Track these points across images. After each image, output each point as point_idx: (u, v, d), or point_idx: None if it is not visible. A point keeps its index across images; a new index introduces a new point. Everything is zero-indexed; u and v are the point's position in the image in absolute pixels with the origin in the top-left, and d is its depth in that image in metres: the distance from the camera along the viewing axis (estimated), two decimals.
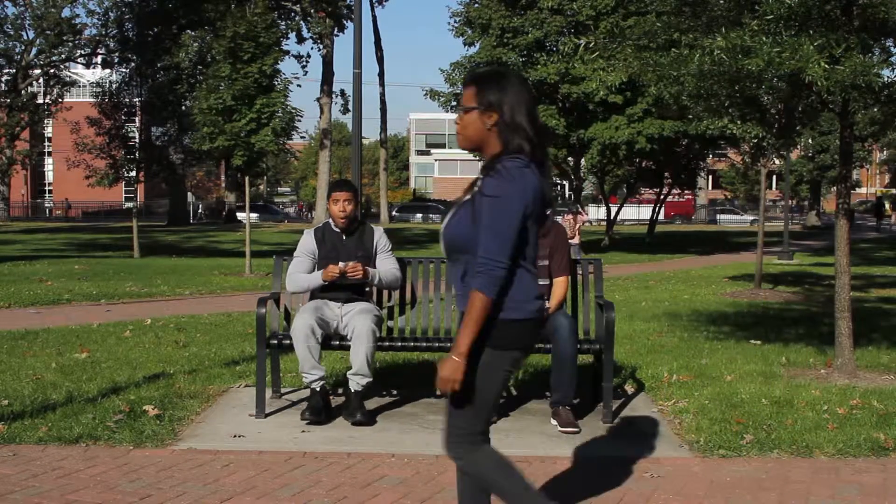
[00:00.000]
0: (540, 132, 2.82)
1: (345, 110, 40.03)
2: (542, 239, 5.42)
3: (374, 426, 5.18)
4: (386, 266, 5.61)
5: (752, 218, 56.51)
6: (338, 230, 5.58)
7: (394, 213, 55.60)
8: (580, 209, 19.91)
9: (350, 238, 5.57)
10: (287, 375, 6.28)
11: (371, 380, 5.31)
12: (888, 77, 6.53)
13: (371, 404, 5.64)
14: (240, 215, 51.83)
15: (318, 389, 5.28)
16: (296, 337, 5.18)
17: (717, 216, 60.84)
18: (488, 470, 2.90)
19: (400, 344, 5.61)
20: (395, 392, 6.05)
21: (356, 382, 5.25)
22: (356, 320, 5.27)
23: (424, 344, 5.62)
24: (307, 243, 5.59)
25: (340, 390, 6.06)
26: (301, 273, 5.54)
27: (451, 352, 2.73)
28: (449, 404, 2.87)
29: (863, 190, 70.70)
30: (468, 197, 2.84)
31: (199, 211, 62.73)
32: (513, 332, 2.79)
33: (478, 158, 32.32)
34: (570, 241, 17.53)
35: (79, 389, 5.81)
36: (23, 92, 33.95)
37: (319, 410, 5.24)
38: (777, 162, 21.46)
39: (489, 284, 2.69)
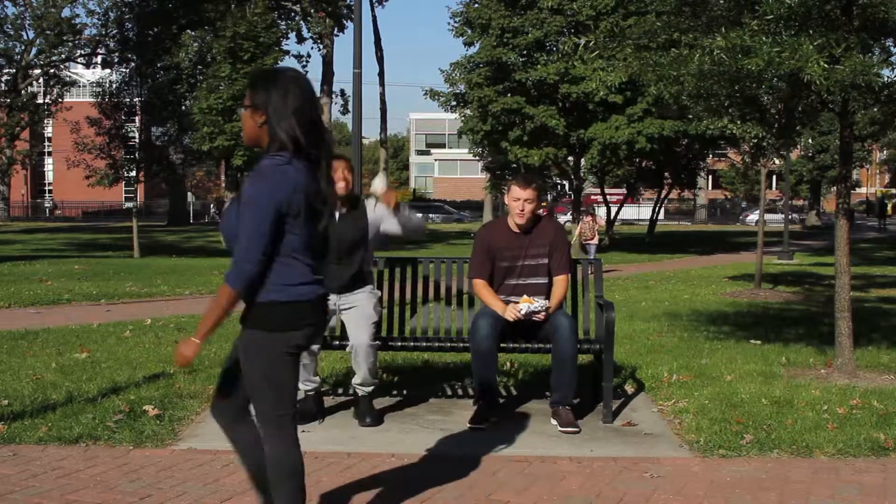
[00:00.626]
0: (310, 132, 2.96)
1: (345, 110, 39.97)
2: (537, 237, 5.43)
3: (373, 426, 5.18)
4: (394, 223, 5.21)
5: (804, 216, 54.74)
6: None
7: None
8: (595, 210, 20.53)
9: (344, 220, 5.14)
10: None
11: (377, 382, 5.31)
12: (888, 77, 6.53)
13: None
14: None
15: (311, 393, 5.29)
16: None
17: (750, 217, 55.82)
18: (281, 456, 3.06)
19: (400, 344, 5.62)
20: (394, 392, 6.05)
21: (363, 390, 5.23)
22: (355, 328, 5.14)
23: (424, 344, 5.63)
24: None
25: (341, 390, 6.07)
26: None
27: (194, 333, 2.94)
28: (250, 393, 3.05)
29: (863, 190, 70.67)
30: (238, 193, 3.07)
31: (212, 210, 62.18)
32: (278, 313, 2.94)
33: (478, 158, 32.03)
34: (589, 241, 18.55)
35: (79, 389, 5.81)
36: (23, 92, 33.88)
37: (312, 415, 5.24)
38: (777, 162, 21.45)
39: (235, 278, 2.88)
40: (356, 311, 5.21)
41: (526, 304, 5.21)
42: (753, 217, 56.48)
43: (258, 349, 2.97)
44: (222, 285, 2.89)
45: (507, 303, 5.31)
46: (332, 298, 5.15)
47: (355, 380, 5.23)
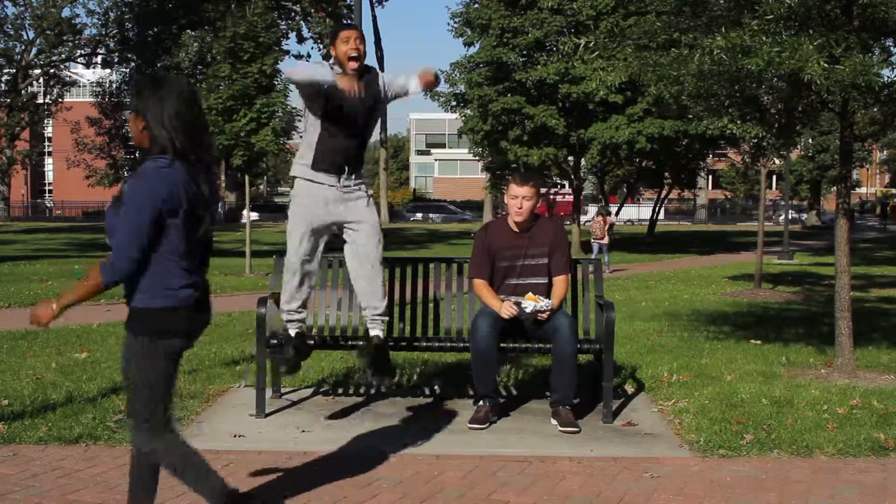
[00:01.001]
0: (189, 136, 3.05)
1: None
2: (537, 237, 5.43)
3: (373, 426, 5.18)
4: (405, 78, 5.00)
5: (804, 215, 53.91)
6: (340, 70, 4.83)
7: (405, 212, 56.50)
8: (608, 211, 20.77)
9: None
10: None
11: (388, 314, 5.10)
12: (888, 77, 6.54)
13: (371, 404, 5.65)
14: (253, 215, 51.30)
15: (293, 336, 5.00)
16: (286, 276, 4.96)
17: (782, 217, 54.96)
18: (168, 455, 3.16)
19: (400, 344, 5.61)
20: (394, 392, 6.04)
21: (378, 325, 4.89)
22: (363, 243, 4.88)
23: (424, 344, 5.62)
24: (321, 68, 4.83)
25: (341, 390, 6.07)
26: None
27: (57, 299, 3.05)
28: (125, 389, 3.15)
29: (863, 190, 70.68)
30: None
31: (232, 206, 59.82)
32: (161, 319, 3.06)
33: (478, 158, 31.95)
34: (599, 241, 19.21)
35: (79, 389, 5.82)
36: (23, 92, 33.90)
37: (297, 365, 5.03)
38: (777, 162, 21.47)
39: (111, 274, 2.99)
40: (361, 227, 4.91)
41: (531, 303, 5.21)
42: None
43: (140, 353, 3.07)
44: (96, 270, 2.99)
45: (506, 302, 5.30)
46: (334, 181, 4.82)
47: (372, 306, 4.88)
